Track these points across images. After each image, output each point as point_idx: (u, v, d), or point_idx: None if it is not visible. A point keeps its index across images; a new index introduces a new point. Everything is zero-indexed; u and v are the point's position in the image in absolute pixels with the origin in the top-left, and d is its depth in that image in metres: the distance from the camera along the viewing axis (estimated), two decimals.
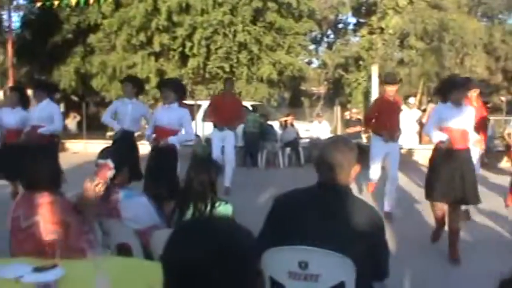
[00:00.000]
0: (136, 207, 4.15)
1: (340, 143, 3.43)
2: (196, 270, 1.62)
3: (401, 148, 11.10)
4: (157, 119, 8.46)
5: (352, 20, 36.92)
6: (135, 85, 9.35)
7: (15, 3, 27.27)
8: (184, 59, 24.97)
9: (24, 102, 9.81)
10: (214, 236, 1.68)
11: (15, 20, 31.15)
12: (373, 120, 9.19)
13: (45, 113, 9.39)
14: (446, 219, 7.03)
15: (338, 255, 3.02)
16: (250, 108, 18.78)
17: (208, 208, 4.24)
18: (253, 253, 1.75)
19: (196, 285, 1.62)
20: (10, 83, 25.13)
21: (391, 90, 8.91)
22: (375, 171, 9.25)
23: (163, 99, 8.55)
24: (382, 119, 9.01)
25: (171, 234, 1.75)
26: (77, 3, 16.79)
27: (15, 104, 9.59)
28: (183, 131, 8.32)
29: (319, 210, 3.22)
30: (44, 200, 3.50)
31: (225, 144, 11.43)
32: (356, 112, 20.55)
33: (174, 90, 8.37)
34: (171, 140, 8.05)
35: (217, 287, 1.63)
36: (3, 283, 2.94)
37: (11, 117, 9.51)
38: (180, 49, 24.51)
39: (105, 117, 9.76)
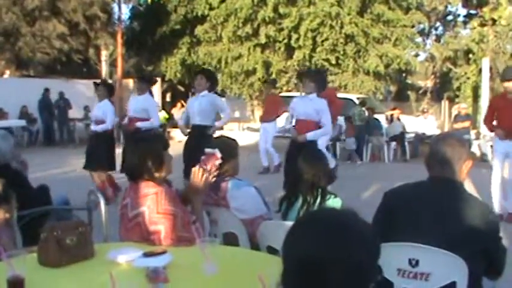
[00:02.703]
0: (245, 197, 4.17)
1: (451, 137, 3.40)
2: (318, 265, 1.59)
3: None
4: (295, 111, 8.42)
5: (462, 12, 35.98)
6: (208, 78, 8.99)
7: None
8: (290, 50, 24.93)
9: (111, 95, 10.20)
10: (339, 230, 1.64)
11: (125, 12, 31.97)
12: (494, 122, 8.77)
13: (140, 106, 9.63)
14: None
15: (450, 254, 2.95)
16: (356, 101, 18.62)
17: (318, 201, 4.20)
18: (377, 249, 1.70)
19: (318, 280, 1.59)
20: (119, 73, 25.96)
21: (509, 86, 8.43)
22: (495, 172, 8.84)
23: (304, 88, 8.47)
24: (501, 118, 8.61)
25: (292, 226, 1.72)
26: None
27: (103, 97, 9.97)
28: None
29: (431, 206, 3.16)
30: (149, 190, 3.55)
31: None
32: (464, 107, 19.93)
33: (314, 80, 8.32)
34: (309, 136, 7.96)
35: (339, 283, 1.59)
36: (115, 266, 3.02)
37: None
38: (286, 41, 24.50)
39: (180, 122, 9.64)
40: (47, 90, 21.71)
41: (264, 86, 14.95)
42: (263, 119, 14.08)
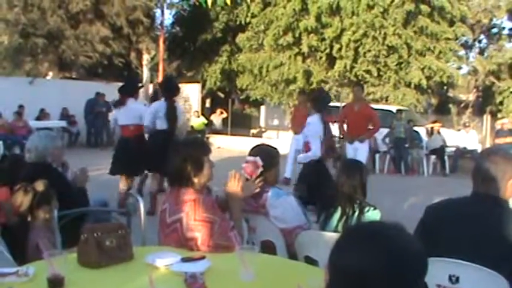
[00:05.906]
0: (284, 206, 4.16)
1: (496, 154, 3.29)
2: (362, 278, 1.56)
3: None
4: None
5: (508, 25, 35.48)
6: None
7: (168, 1, 28.17)
8: (331, 61, 24.77)
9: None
10: (384, 243, 1.61)
11: (167, 17, 32.15)
12: None
13: (131, 113, 9.45)
14: None
15: (492, 273, 2.89)
16: (395, 112, 18.40)
17: (357, 213, 4.17)
18: (423, 264, 1.66)
19: None
20: (160, 78, 26.14)
21: None
22: None
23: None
24: None
25: (338, 238, 1.70)
26: (232, 1, 16.99)
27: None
28: None
29: (473, 223, 3.10)
30: (188, 197, 3.56)
31: (358, 156, 10.68)
32: (507, 122, 19.59)
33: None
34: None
35: None
36: (154, 270, 3.04)
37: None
38: (328, 51, 24.36)
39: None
40: (98, 94, 22.01)
41: (300, 96, 14.10)
42: (295, 131, 13.51)
